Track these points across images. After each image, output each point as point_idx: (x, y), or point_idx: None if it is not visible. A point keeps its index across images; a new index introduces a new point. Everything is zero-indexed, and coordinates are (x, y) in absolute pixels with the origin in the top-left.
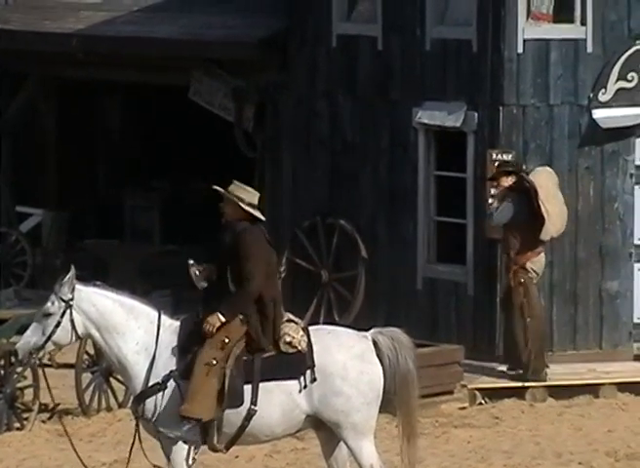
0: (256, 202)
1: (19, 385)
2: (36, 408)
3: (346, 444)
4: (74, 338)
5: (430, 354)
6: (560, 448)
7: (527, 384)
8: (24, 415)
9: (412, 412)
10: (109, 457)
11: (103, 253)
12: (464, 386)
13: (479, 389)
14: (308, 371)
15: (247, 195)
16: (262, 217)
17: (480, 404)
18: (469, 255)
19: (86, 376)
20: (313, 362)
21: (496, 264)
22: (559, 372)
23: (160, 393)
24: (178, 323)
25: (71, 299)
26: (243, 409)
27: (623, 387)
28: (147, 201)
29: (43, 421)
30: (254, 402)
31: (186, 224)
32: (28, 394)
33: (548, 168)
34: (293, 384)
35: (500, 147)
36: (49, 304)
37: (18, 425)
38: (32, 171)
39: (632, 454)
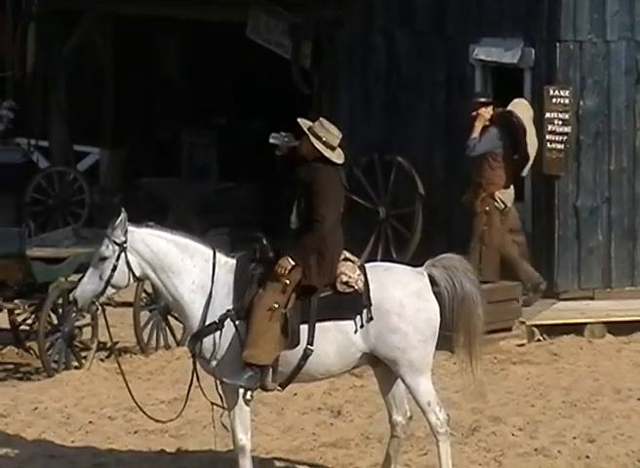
0: (335, 144)
1: (77, 324)
2: (94, 346)
3: (403, 381)
4: (132, 280)
5: (488, 291)
6: (619, 385)
7: (586, 320)
8: (83, 354)
9: (476, 335)
10: (167, 395)
11: (161, 191)
12: (523, 323)
13: (537, 326)
14: (365, 311)
15: (327, 135)
16: (338, 161)
17: (538, 340)
18: (527, 192)
19: (144, 315)
20: (370, 301)
21: (554, 201)
22: (618, 309)
23: (217, 332)
24: (234, 261)
25: (125, 242)
26: (299, 350)
27: None
28: (205, 138)
29: (101, 360)
30: (310, 342)
31: (244, 162)
32: (87, 332)
33: (524, 100)
34: (349, 324)
35: (556, 83)
36: (103, 248)
37: (76, 364)
38: (89, 109)
39: None
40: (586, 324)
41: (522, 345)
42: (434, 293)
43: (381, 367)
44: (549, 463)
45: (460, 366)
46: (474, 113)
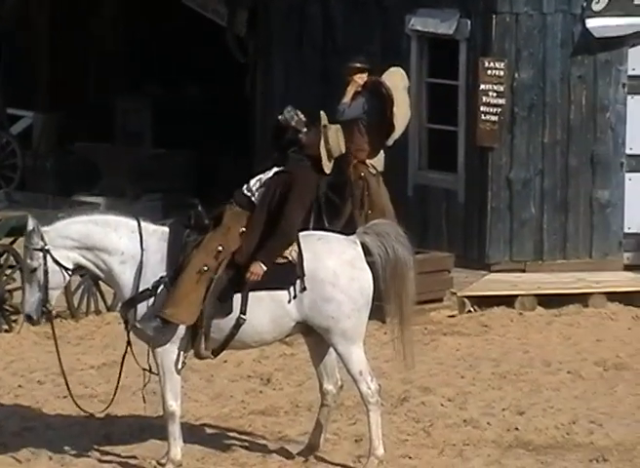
0: (335, 155)
1: (7, 287)
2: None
3: (336, 350)
4: (69, 275)
5: (420, 261)
6: (549, 357)
7: (517, 292)
8: (13, 318)
9: (408, 301)
10: (97, 360)
11: (94, 156)
12: (454, 294)
13: (468, 297)
14: (298, 281)
15: (334, 144)
16: (326, 171)
17: (469, 311)
18: (460, 163)
19: (75, 279)
20: (303, 271)
21: (487, 172)
22: (549, 281)
23: (151, 299)
24: (165, 228)
25: (45, 245)
26: (232, 318)
27: (613, 297)
28: (139, 104)
29: (32, 324)
30: (243, 311)
31: (179, 129)
32: (17, 296)
33: (401, 69)
34: (283, 294)
35: (491, 55)
36: (28, 261)
37: (6, 327)
38: (23, 73)
39: (621, 364)
40: (517, 296)
41: (453, 316)
42: (368, 262)
43: (314, 336)
44: (478, 434)
45: (390, 335)
46: (349, 78)
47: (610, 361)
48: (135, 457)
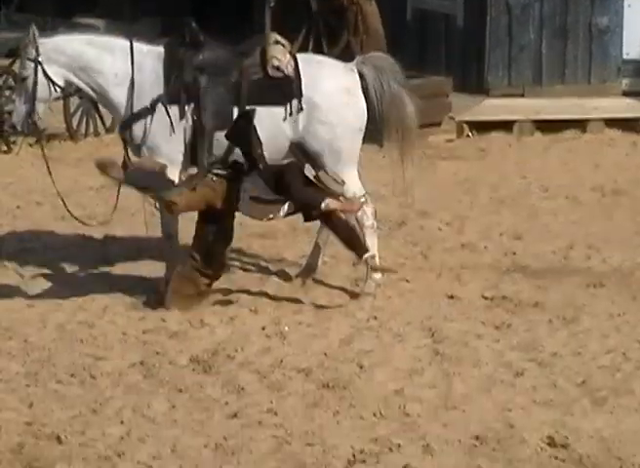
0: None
1: (6, 109)
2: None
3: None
4: (57, 90)
5: (418, 86)
6: (546, 182)
7: (515, 118)
8: (12, 139)
9: (408, 135)
10: (96, 182)
11: None
12: (452, 119)
13: (467, 122)
14: (295, 100)
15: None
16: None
17: (467, 136)
18: None
19: (74, 101)
20: (301, 91)
21: None
22: (547, 107)
23: (148, 118)
24: (160, 48)
25: (38, 56)
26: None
27: (611, 123)
28: None
29: (30, 145)
30: None
31: None
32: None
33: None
34: (279, 111)
35: None
36: (21, 70)
37: (5, 148)
38: None
39: (618, 190)
40: (515, 121)
41: (451, 141)
42: (364, 89)
43: (308, 160)
44: (475, 258)
45: (390, 160)
46: None
47: (608, 186)
48: (132, 277)
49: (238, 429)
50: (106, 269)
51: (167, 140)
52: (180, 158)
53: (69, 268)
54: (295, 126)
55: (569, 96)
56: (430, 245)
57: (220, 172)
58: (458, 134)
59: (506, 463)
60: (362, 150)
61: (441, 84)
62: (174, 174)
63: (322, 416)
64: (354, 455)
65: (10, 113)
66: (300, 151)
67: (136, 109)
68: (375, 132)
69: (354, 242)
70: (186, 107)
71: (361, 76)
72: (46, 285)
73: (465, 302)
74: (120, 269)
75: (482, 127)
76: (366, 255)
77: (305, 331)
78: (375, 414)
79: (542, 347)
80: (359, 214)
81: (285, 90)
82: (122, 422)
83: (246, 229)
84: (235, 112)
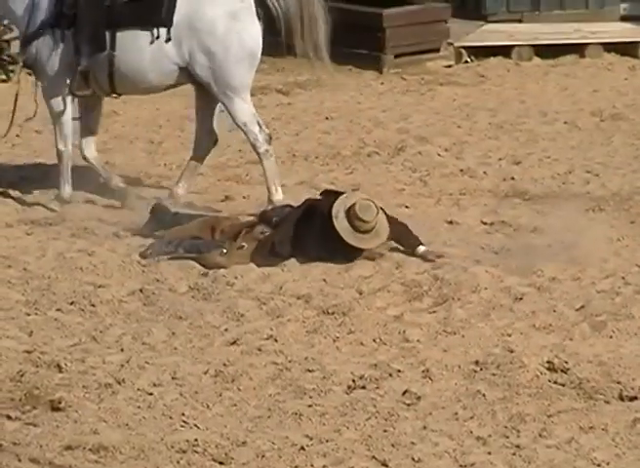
0: None
1: (5, 37)
2: (21, 61)
3: (221, 102)
4: None
5: (417, 12)
6: (545, 107)
7: (513, 43)
8: (10, 68)
9: (319, 33)
10: None
11: None
12: (451, 44)
13: (465, 47)
14: (166, 24)
15: None
16: None
17: (466, 62)
18: None
19: None
20: (171, 14)
21: None
22: (545, 32)
23: (40, 39)
24: None
25: None
26: (105, 55)
27: (609, 47)
28: None
29: (29, 74)
30: (112, 47)
31: None
32: (15, 46)
33: None
34: (161, 31)
35: None
36: None
37: (3, 77)
38: None
39: (617, 114)
40: (514, 46)
41: (449, 66)
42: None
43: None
44: (475, 184)
45: (389, 86)
46: None
47: (606, 111)
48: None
49: (238, 356)
50: (106, 196)
51: (53, 63)
52: (67, 82)
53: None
54: (179, 50)
55: (567, 20)
56: (429, 171)
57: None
58: (456, 59)
59: (506, 388)
60: (361, 76)
61: (439, 10)
62: (66, 98)
63: (322, 342)
64: (354, 381)
65: (8, 41)
66: (189, 79)
67: (31, 29)
68: (375, 57)
69: (405, 237)
70: (67, 31)
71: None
72: (45, 213)
73: (465, 228)
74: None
75: (480, 52)
76: (418, 250)
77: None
78: (374, 340)
79: (542, 272)
80: (251, 139)
81: (154, 13)
82: (122, 350)
83: (245, 156)
84: (108, 36)
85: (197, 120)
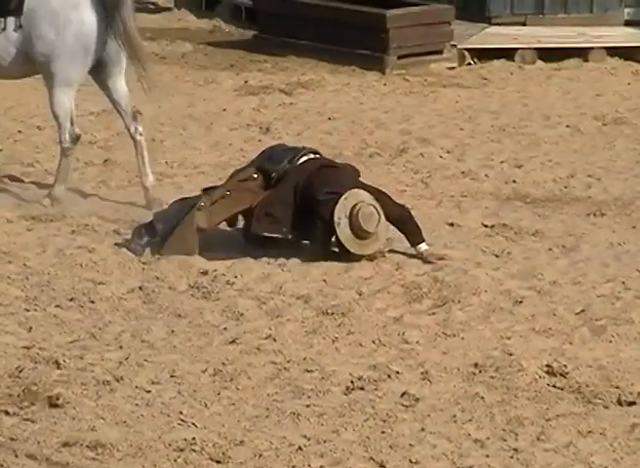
0: None
1: None
2: None
3: (48, 90)
4: None
5: (419, 13)
6: (548, 111)
7: (517, 46)
8: None
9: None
10: (97, 107)
11: None
12: (454, 46)
13: (468, 49)
14: (13, 14)
15: None
16: None
17: (469, 64)
18: None
19: None
20: (21, 5)
21: None
22: (549, 35)
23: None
24: None
25: None
26: None
27: (613, 52)
28: None
29: None
30: None
31: None
32: None
33: None
34: (9, 21)
35: None
36: None
37: None
38: None
39: (619, 119)
40: (517, 49)
41: (452, 68)
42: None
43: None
44: (476, 186)
45: (391, 87)
46: None
47: (609, 115)
48: (130, 203)
49: (237, 355)
50: (107, 193)
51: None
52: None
53: (70, 192)
54: (21, 37)
55: (571, 24)
56: (431, 172)
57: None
58: (459, 62)
59: (504, 391)
60: (363, 77)
61: (443, 12)
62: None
63: (321, 343)
64: (352, 382)
65: None
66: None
67: None
68: (378, 58)
69: (409, 228)
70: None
71: None
72: (46, 209)
73: (465, 230)
74: (120, 194)
75: (484, 55)
76: (419, 247)
77: (305, 258)
78: (373, 341)
79: (542, 275)
80: (60, 132)
81: (6, 2)
82: (121, 347)
83: (247, 155)
84: None
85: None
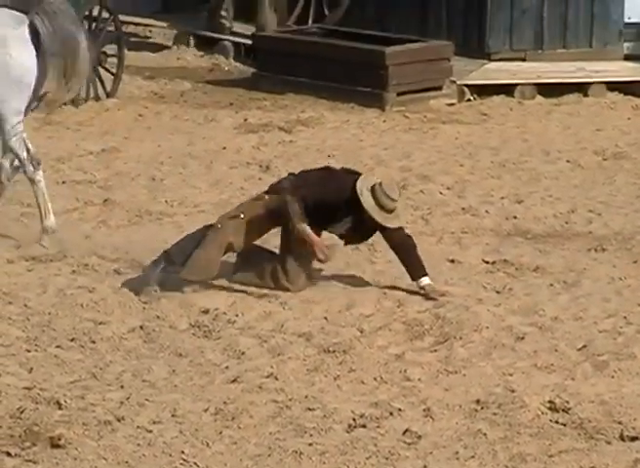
0: None
1: None
2: None
3: None
4: None
5: (419, 49)
6: (548, 146)
7: (516, 81)
8: None
9: (80, 69)
10: (96, 146)
11: None
12: (453, 82)
13: (468, 85)
14: None
15: None
16: None
17: (469, 100)
18: None
19: None
20: None
21: None
22: (549, 70)
23: None
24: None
25: None
26: None
27: (613, 86)
28: None
29: (31, 110)
30: None
31: None
32: None
33: None
34: None
35: None
36: None
37: None
38: None
39: (619, 153)
40: (517, 85)
41: (452, 104)
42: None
43: None
44: (477, 222)
45: (391, 124)
46: None
47: (609, 150)
48: (132, 241)
49: (238, 394)
50: (107, 233)
51: None
52: None
53: (70, 232)
54: None
55: (570, 59)
56: (431, 209)
57: None
58: (459, 98)
59: (507, 427)
60: (363, 114)
61: (442, 48)
62: None
63: (322, 381)
64: (354, 420)
65: None
66: None
67: None
68: (377, 95)
69: (412, 260)
70: None
71: (33, 25)
72: (46, 249)
73: (466, 266)
74: (121, 233)
75: (483, 91)
76: (421, 281)
77: (306, 295)
78: (375, 379)
79: (543, 311)
80: (20, 164)
81: None
82: (122, 387)
83: (247, 193)
84: None
85: None
